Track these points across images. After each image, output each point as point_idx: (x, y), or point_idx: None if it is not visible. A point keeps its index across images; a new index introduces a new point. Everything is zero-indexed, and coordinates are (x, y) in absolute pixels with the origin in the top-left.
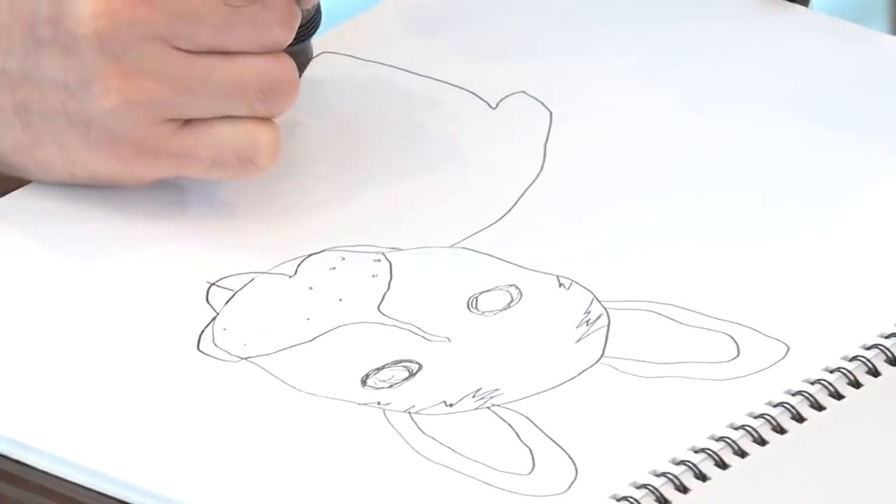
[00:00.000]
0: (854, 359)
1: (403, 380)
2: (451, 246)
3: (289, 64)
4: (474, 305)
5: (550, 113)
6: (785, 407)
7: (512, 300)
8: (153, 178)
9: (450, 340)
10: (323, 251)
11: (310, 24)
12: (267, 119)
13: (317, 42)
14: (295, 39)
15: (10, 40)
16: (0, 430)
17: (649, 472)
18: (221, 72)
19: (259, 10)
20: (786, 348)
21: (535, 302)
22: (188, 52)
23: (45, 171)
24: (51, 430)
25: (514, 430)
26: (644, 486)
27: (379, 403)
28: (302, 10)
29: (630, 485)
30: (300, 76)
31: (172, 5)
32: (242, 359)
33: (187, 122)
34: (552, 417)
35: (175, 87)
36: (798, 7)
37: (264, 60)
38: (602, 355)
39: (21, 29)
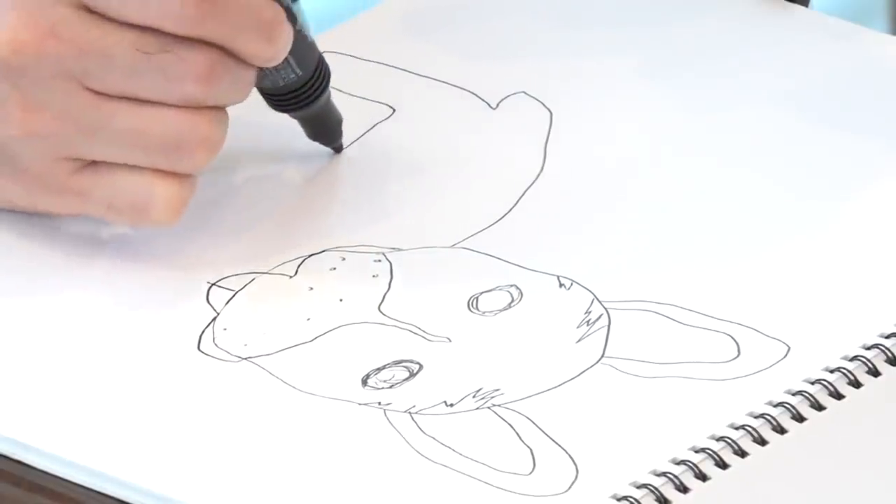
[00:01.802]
0: (854, 359)
1: (404, 380)
2: (452, 246)
3: (206, 123)
4: (475, 305)
5: (550, 113)
6: (785, 407)
7: (512, 300)
8: (58, 212)
9: (450, 340)
10: (323, 251)
11: (313, 82)
12: (174, 173)
13: (317, 42)
14: (302, 102)
15: None
16: (0, 430)
17: (649, 472)
18: (126, 119)
19: (172, 61)
20: (786, 348)
21: (536, 302)
22: (98, 93)
23: None
24: (51, 430)
25: (514, 430)
26: (644, 485)
27: (379, 403)
28: (290, 73)
29: (630, 485)
30: (338, 146)
31: (83, 43)
32: (243, 359)
33: (91, 162)
34: (553, 417)
35: (77, 127)
36: (798, 7)
37: (175, 115)
38: (602, 355)
39: None
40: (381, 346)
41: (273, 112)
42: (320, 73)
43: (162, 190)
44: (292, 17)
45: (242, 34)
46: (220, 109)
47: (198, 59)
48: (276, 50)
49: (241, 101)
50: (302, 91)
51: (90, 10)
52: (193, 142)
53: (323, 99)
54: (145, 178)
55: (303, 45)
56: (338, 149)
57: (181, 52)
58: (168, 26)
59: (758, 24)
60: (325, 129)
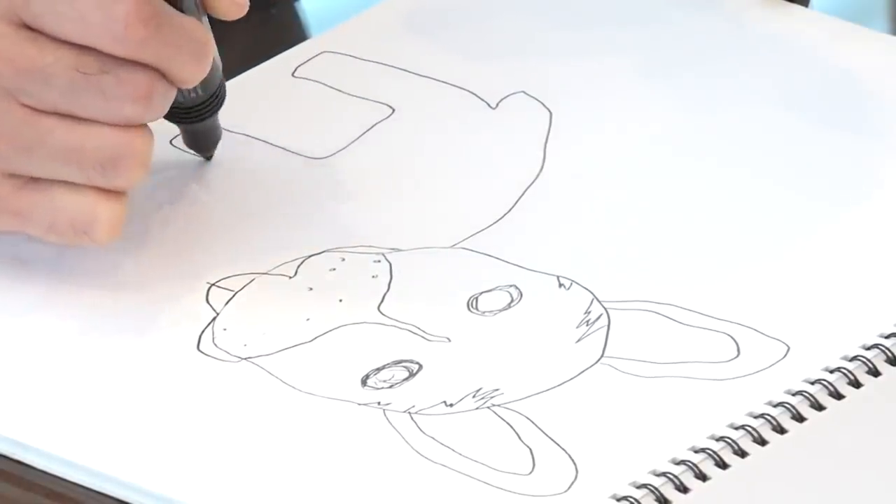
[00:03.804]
0: (854, 359)
1: (403, 380)
2: (451, 246)
3: (139, 140)
4: (474, 306)
5: (550, 113)
6: (785, 407)
7: (512, 300)
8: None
9: (450, 340)
10: (323, 252)
11: (210, 102)
12: (113, 192)
13: (317, 42)
14: (195, 118)
15: None
16: (0, 430)
17: (649, 472)
18: (62, 136)
19: (111, 83)
20: (786, 348)
21: (535, 302)
22: (34, 110)
23: None
24: (51, 430)
25: (514, 430)
26: (644, 485)
27: (379, 403)
28: (191, 92)
29: (630, 485)
30: (210, 155)
31: (21, 61)
32: (242, 359)
33: (32, 180)
34: (552, 417)
35: (12, 143)
36: (798, 7)
37: (110, 132)
38: (602, 355)
39: None
40: (381, 347)
41: (277, 119)
42: (217, 95)
43: (104, 209)
44: None
45: (179, 57)
46: (146, 125)
47: (136, 81)
48: (203, 73)
49: (160, 117)
50: (197, 109)
51: (29, 28)
52: (129, 158)
53: (213, 119)
54: (87, 196)
55: (212, 68)
56: (209, 158)
57: (120, 74)
58: (110, 48)
59: (758, 24)
60: (203, 142)
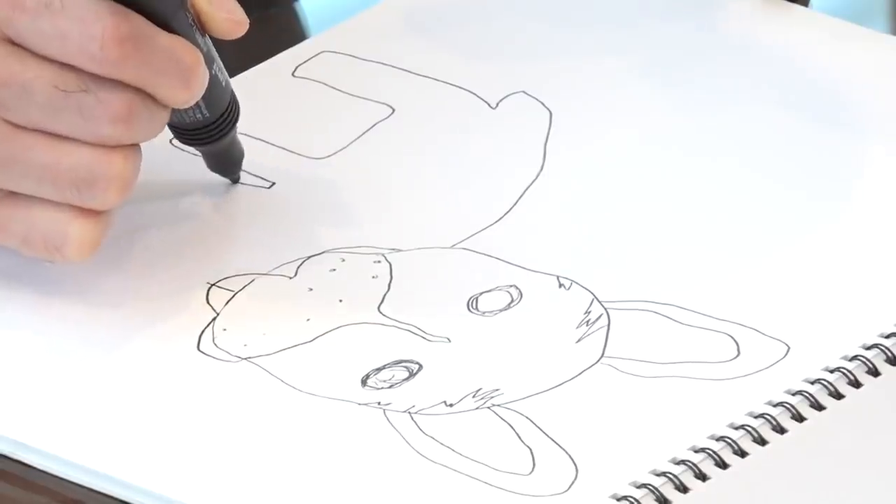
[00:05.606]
0: (854, 359)
1: (404, 380)
2: (451, 246)
3: (120, 161)
4: (474, 306)
5: (550, 113)
6: (785, 407)
7: (512, 300)
8: None
9: (450, 341)
10: (323, 252)
11: (219, 123)
12: (91, 211)
13: (317, 42)
14: (206, 140)
15: None
16: (0, 430)
17: (649, 472)
18: (41, 153)
19: (89, 101)
20: (786, 348)
21: (536, 302)
22: (15, 126)
23: None
24: (51, 430)
25: (514, 430)
26: (644, 485)
27: (379, 403)
28: (196, 113)
29: (630, 484)
30: (235, 178)
31: (3, 75)
32: (243, 359)
33: (11, 193)
34: (552, 417)
35: None
36: (798, 7)
37: (88, 152)
38: (602, 355)
39: None
40: (381, 347)
41: (277, 120)
42: (228, 115)
43: (76, 228)
44: (209, 60)
45: (161, 78)
46: (133, 146)
47: (115, 101)
48: (192, 94)
49: (153, 137)
50: (206, 130)
51: (13, 43)
52: (106, 179)
53: (226, 140)
54: (62, 214)
55: (215, 89)
56: (235, 180)
57: (99, 93)
58: (88, 66)
59: (757, 23)
60: (225, 164)
